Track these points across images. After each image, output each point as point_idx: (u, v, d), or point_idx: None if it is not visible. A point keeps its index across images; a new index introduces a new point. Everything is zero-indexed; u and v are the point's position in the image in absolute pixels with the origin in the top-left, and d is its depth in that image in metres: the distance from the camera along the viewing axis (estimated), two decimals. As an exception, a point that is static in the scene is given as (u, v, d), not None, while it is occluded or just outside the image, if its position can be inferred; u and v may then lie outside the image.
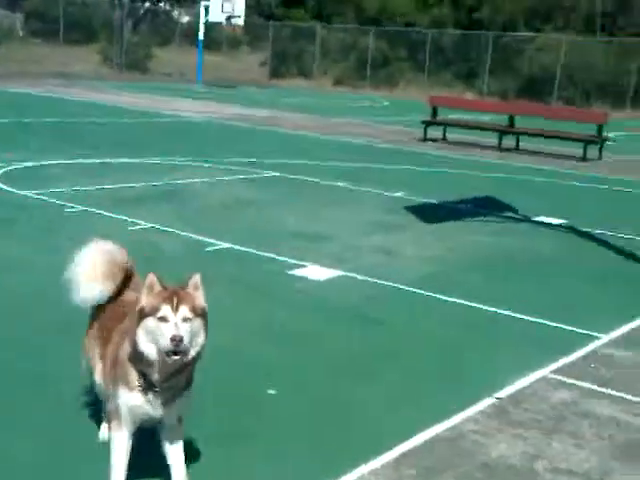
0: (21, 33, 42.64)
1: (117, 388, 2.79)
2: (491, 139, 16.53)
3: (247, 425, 3.55)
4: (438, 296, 5.66)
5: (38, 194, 7.96)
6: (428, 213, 8.78)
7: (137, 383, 2.73)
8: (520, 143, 16.20)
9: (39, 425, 3.39)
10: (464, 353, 4.68)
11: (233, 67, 39.94)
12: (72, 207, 7.50)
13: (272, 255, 6.38)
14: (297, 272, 5.99)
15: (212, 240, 6.63)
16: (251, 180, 10.09)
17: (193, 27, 37.93)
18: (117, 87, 26.87)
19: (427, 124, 16.97)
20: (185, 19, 46.04)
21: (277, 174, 10.62)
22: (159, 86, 29.74)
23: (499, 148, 15.96)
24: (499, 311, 5.42)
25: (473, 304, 5.53)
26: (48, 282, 5.22)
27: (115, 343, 2.91)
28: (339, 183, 10.25)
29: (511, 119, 16.60)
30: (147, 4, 43.31)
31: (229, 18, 32.38)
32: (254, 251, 6.49)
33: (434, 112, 17.37)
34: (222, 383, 3.93)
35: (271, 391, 3.87)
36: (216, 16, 31.75)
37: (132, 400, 2.75)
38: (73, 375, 3.49)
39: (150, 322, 2.64)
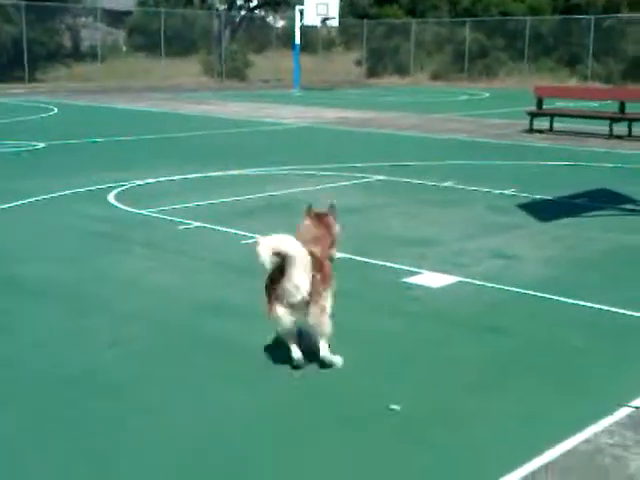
0: (124, 48, 44.11)
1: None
2: (601, 127, 15.95)
3: (373, 440, 3.50)
4: (561, 299, 5.46)
5: (152, 212, 8.16)
6: (541, 210, 8.52)
7: None
8: (632, 129, 15.59)
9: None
10: (594, 359, 4.48)
11: (329, 68, 40.15)
12: (186, 223, 7.64)
13: (385, 263, 6.32)
14: (412, 279, 5.90)
15: (324, 250, 6.61)
16: (356, 186, 10.05)
17: (288, 31, 38.35)
18: (218, 97, 27.41)
19: (533, 115, 16.53)
20: (280, 24, 46.53)
21: (381, 177, 10.55)
22: (258, 94, 30.18)
23: (610, 136, 15.39)
24: (626, 312, 5.19)
25: (598, 306, 5.31)
26: (165, 303, 5.35)
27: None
28: (446, 183, 10.09)
29: (622, 105, 15.98)
30: (243, 12, 44.01)
31: (324, 20, 32.60)
32: (366, 259, 6.45)
33: (539, 102, 16.89)
34: (342, 399, 3.90)
35: (394, 406, 3.80)
36: (311, 19, 32.02)
37: None
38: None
39: None
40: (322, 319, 4.10)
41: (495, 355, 4.54)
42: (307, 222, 4.50)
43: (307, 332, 4.23)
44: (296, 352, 4.16)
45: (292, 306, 4.02)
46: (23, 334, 4.76)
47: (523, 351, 4.61)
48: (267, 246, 3.91)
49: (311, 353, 4.19)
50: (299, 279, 3.96)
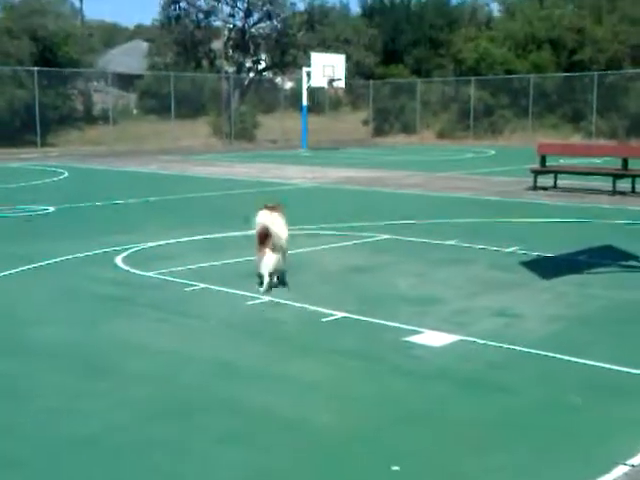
0: (135, 111, 44.88)
1: None
2: (604, 183, 16.10)
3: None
4: (564, 357, 5.50)
5: (159, 274, 8.27)
6: (544, 268, 8.59)
7: None
8: (636, 186, 15.72)
9: None
10: (596, 418, 4.52)
11: (336, 128, 40.64)
12: (192, 285, 7.75)
13: (387, 322, 6.39)
14: (414, 339, 5.96)
15: (327, 310, 6.70)
16: (362, 245, 10.17)
17: (296, 92, 38.96)
18: (227, 158, 27.77)
19: (536, 173, 16.71)
20: (288, 85, 47.29)
21: (387, 237, 10.67)
22: (266, 154, 30.55)
23: (613, 192, 15.52)
24: (629, 370, 5.23)
25: (601, 364, 5.35)
26: (173, 365, 5.42)
27: None
28: (450, 242, 10.19)
29: (625, 161, 16.15)
30: (252, 74, 44.80)
31: (331, 81, 33.17)
32: (369, 319, 6.52)
33: (543, 160, 17.10)
34: (341, 462, 3.94)
35: (395, 467, 3.84)
36: (318, 80, 32.62)
37: None
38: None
39: None
40: (283, 262, 7.47)
41: (497, 414, 4.57)
42: (266, 211, 7.53)
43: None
44: (267, 285, 7.27)
45: (275, 248, 7.21)
46: (31, 399, 4.83)
47: (525, 410, 4.64)
48: (259, 223, 7.44)
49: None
50: (282, 231, 7.27)
